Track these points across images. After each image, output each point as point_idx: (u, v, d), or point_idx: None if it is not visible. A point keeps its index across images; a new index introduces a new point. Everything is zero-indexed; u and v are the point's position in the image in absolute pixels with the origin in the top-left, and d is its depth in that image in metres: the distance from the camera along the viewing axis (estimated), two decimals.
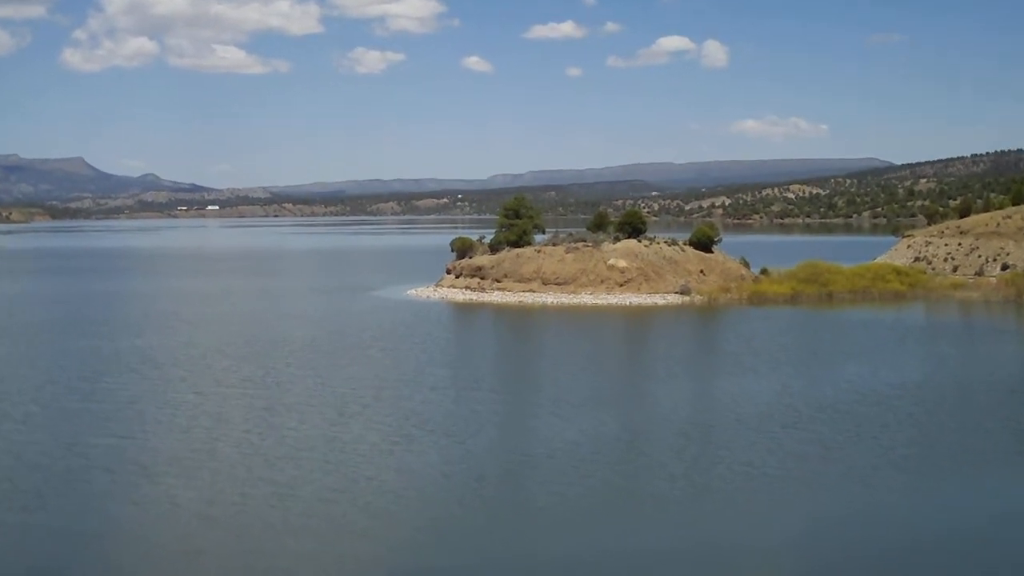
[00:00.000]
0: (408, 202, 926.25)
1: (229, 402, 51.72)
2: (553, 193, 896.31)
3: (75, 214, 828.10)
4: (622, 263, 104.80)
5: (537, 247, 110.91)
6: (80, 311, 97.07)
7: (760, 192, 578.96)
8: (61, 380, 58.06)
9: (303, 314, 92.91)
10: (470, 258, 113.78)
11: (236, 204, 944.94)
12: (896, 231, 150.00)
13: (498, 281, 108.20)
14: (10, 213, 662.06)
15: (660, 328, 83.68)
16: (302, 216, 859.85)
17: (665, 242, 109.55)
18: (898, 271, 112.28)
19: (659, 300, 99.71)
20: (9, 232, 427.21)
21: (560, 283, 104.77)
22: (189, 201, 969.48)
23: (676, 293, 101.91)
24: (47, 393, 54.17)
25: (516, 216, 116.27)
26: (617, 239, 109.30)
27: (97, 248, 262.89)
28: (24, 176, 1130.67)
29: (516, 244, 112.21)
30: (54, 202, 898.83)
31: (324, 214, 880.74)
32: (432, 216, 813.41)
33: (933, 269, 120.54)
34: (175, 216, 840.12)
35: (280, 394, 53.59)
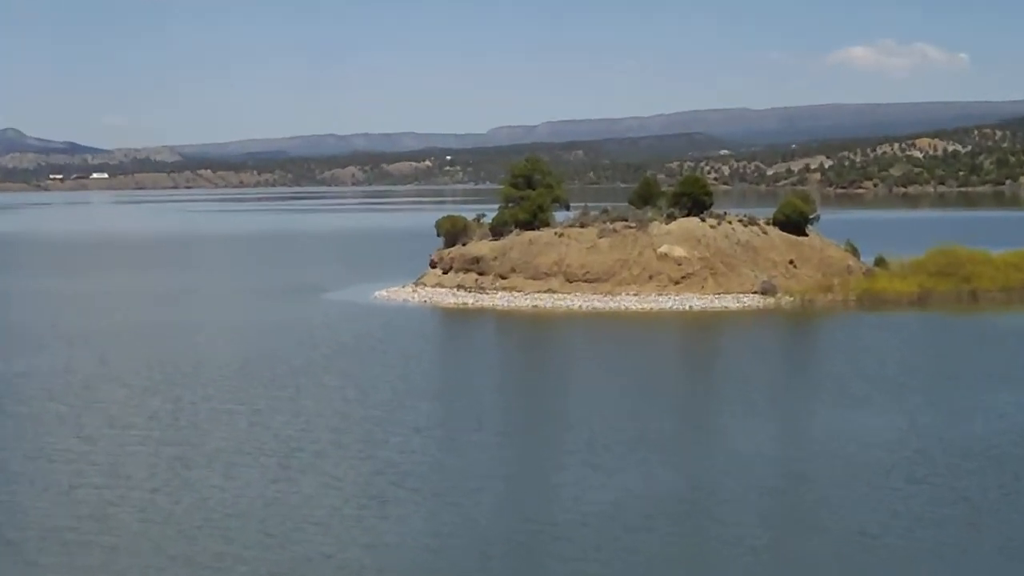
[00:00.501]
0: (376, 166, 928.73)
1: (128, 450, 51.76)
2: (580, 152, 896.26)
3: None
4: (679, 251, 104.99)
5: (558, 229, 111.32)
6: None
7: (873, 150, 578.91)
8: None
9: (229, 326, 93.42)
10: (464, 245, 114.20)
11: (132, 171, 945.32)
12: None
13: (503, 277, 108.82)
14: None
15: (733, 342, 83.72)
16: (226, 187, 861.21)
17: (739, 221, 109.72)
18: None
19: (731, 303, 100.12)
20: None
21: (591, 280, 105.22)
22: (66, 167, 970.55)
23: (755, 293, 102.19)
24: None
25: (528, 185, 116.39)
26: (671, 217, 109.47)
27: None
28: None
29: (528, 225, 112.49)
30: None
31: (257, 184, 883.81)
32: (409, 186, 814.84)
33: None
34: (46, 188, 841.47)
35: (199, 438, 53.89)
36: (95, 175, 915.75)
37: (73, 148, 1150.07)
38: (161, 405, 61.51)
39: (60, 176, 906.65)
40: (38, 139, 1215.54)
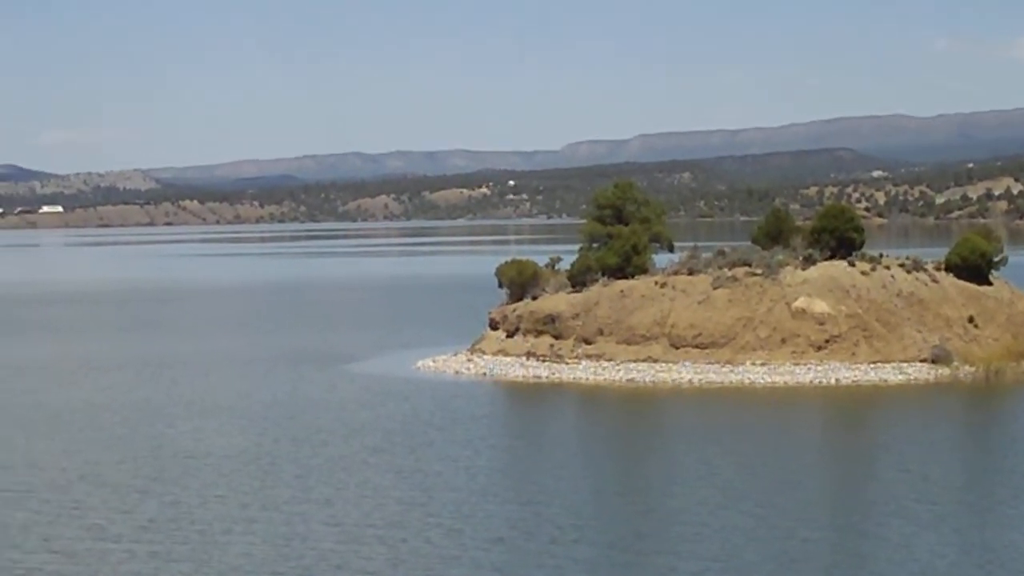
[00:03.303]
0: (416, 195, 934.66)
1: (118, 571, 51.45)
2: (686, 175, 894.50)
3: None
4: (820, 306, 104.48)
5: (659, 278, 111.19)
6: None
7: None
8: None
9: (233, 406, 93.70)
10: (535, 299, 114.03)
11: (93, 203, 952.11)
12: None
13: (588, 342, 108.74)
14: None
15: (897, 428, 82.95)
16: (219, 223, 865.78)
17: (900, 265, 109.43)
18: None
19: (891, 375, 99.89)
20: None
21: (704, 345, 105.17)
22: (8, 198, 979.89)
23: (923, 361, 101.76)
24: None
25: (618, 219, 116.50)
26: (809, 261, 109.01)
27: None
28: None
29: (620, 272, 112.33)
30: None
31: (259, 219, 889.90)
32: (460, 220, 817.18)
33: None
34: None
35: (211, 554, 53.85)
36: (46, 208, 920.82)
37: (16, 172, 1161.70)
38: (157, 510, 61.39)
39: (0, 211, 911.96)
40: None
